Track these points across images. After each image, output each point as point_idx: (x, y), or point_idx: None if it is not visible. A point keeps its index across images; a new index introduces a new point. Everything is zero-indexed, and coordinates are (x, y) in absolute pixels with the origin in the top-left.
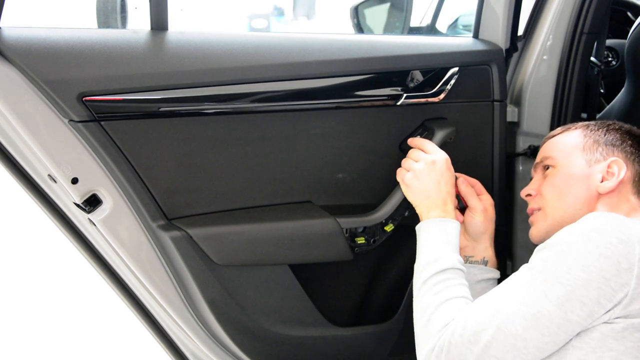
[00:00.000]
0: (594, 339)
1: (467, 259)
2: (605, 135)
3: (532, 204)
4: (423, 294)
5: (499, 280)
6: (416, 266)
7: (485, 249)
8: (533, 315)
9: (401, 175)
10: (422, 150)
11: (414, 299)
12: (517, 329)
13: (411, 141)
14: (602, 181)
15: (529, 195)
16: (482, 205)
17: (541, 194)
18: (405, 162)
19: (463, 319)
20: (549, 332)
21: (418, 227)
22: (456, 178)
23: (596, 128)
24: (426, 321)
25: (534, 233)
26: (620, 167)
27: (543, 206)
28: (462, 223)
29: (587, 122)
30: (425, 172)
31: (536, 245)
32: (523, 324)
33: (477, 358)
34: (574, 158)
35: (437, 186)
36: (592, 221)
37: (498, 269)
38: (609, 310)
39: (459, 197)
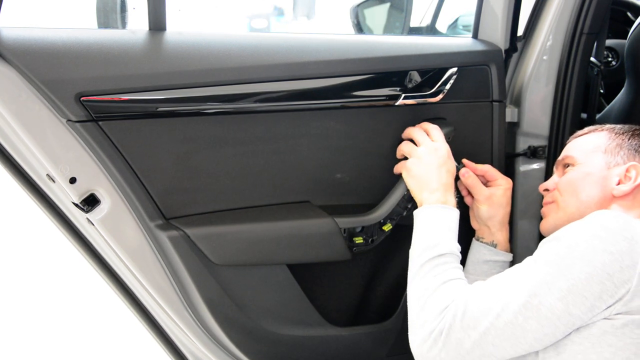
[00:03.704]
0: (593, 335)
1: (478, 238)
2: (629, 139)
3: (547, 198)
4: (421, 277)
5: (511, 264)
6: (413, 251)
7: (494, 233)
8: (534, 306)
9: (401, 162)
10: (427, 134)
11: (408, 283)
12: (517, 318)
13: (420, 125)
14: (618, 184)
15: (546, 190)
16: (485, 194)
17: (558, 190)
18: (406, 144)
19: (463, 302)
20: (549, 323)
21: (417, 212)
22: (460, 167)
23: (622, 132)
24: (423, 303)
25: (543, 225)
26: (638, 172)
27: (557, 199)
28: (471, 209)
29: (614, 125)
30: (427, 156)
31: (536, 244)
32: (524, 313)
33: (474, 344)
34: (594, 158)
35: (439, 171)
36: (599, 218)
37: (511, 252)
38: (610, 306)
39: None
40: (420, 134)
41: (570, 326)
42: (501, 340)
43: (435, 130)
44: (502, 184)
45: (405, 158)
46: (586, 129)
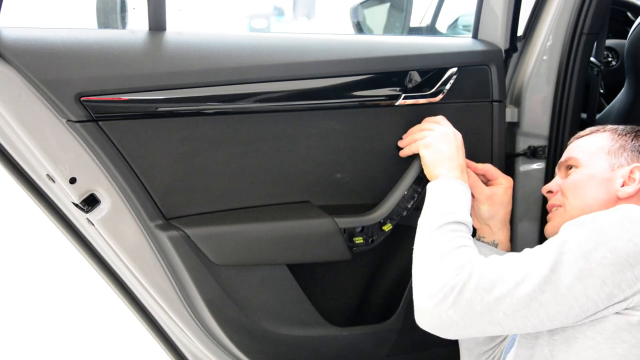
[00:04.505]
0: (607, 330)
1: (479, 238)
2: (632, 141)
3: (552, 201)
4: (438, 235)
5: None
6: (427, 215)
7: (495, 232)
8: (553, 282)
9: (418, 140)
10: (438, 124)
11: (418, 243)
12: (535, 291)
13: (427, 119)
14: (622, 186)
15: (549, 192)
16: (486, 193)
17: (562, 192)
18: (421, 132)
19: (482, 265)
20: (565, 301)
21: (433, 183)
22: None
23: (624, 133)
24: (436, 261)
25: (549, 229)
26: None
27: (563, 204)
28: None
29: (616, 126)
30: (449, 136)
31: (536, 244)
32: (542, 287)
33: (486, 308)
34: (597, 160)
35: (458, 152)
36: (625, 210)
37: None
38: (627, 298)
39: None
40: (434, 124)
41: (584, 310)
42: (514, 310)
43: (444, 120)
44: (503, 183)
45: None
46: (588, 130)
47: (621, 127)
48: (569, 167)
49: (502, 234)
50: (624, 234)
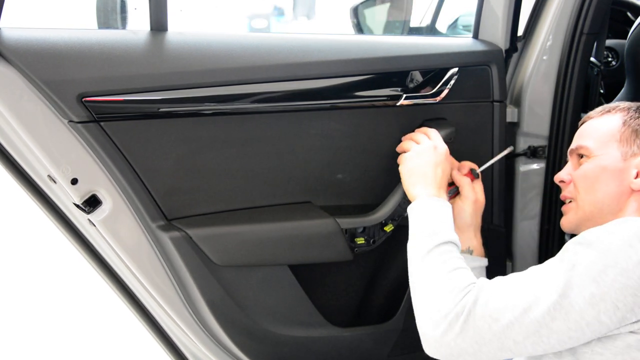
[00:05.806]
0: (617, 347)
1: None
2: None
3: (565, 192)
4: (429, 261)
5: (487, 269)
6: (414, 240)
7: (470, 238)
8: (564, 307)
9: (405, 149)
10: (427, 136)
11: (412, 271)
12: (544, 317)
13: (419, 129)
14: (636, 177)
15: (562, 181)
16: (474, 196)
17: (574, 184)
18: (407, 141)
19: (484, 291)
20: (577, 327)
21: (412, 206)
22: (456, 190)
23: (637, 115)
24: (435, 288)
25: (564, 223)
26: None
27: (575, 197)
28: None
29: (627, 105)
30: (425, 153)
31: (536, 244)
32: (552, 313)
33: (495, 336)
34: (609, 149)
35: (434, 169)
36: (634, 226)
37: (486, 256)
38: (639, 320)
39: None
40: (420, 135)
41: (596, 333)
42: (524, 338)
43: (433, 132)
44: (470, 184)
45: None
46: (599, 110)
47: (633, 107)
48: (581, 156)
49: (476, 240)
50: (634, 255)
